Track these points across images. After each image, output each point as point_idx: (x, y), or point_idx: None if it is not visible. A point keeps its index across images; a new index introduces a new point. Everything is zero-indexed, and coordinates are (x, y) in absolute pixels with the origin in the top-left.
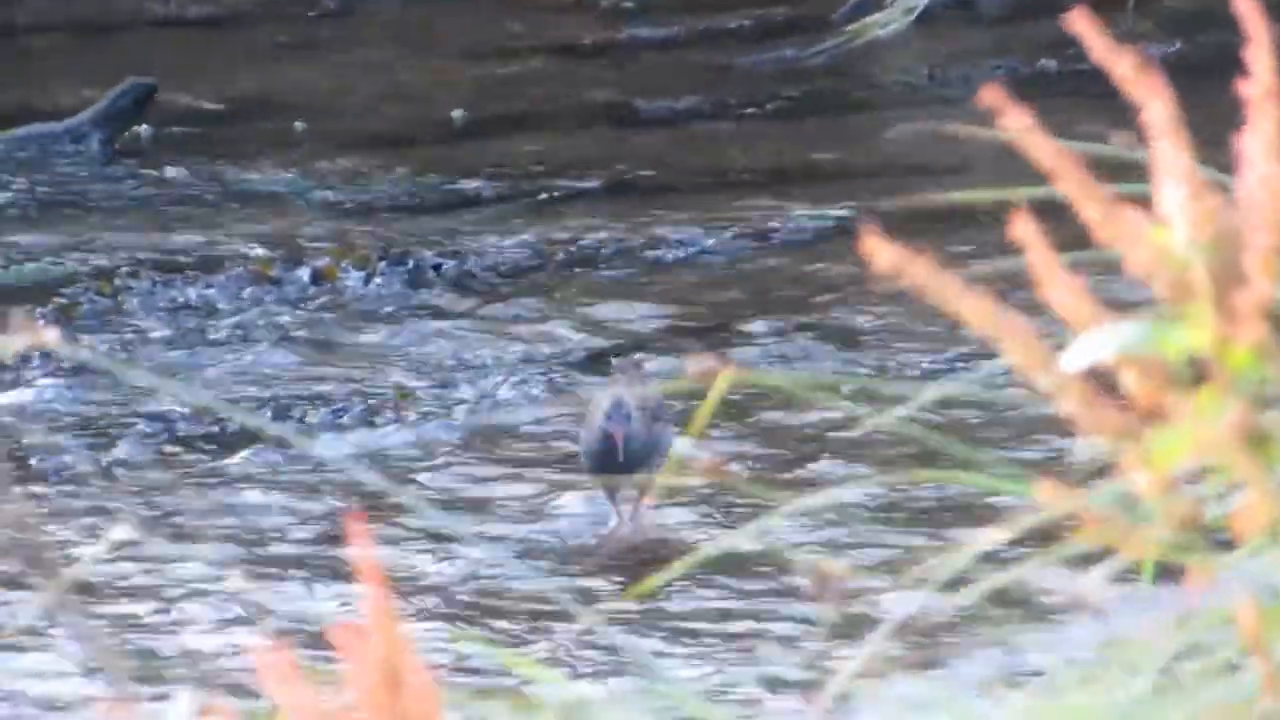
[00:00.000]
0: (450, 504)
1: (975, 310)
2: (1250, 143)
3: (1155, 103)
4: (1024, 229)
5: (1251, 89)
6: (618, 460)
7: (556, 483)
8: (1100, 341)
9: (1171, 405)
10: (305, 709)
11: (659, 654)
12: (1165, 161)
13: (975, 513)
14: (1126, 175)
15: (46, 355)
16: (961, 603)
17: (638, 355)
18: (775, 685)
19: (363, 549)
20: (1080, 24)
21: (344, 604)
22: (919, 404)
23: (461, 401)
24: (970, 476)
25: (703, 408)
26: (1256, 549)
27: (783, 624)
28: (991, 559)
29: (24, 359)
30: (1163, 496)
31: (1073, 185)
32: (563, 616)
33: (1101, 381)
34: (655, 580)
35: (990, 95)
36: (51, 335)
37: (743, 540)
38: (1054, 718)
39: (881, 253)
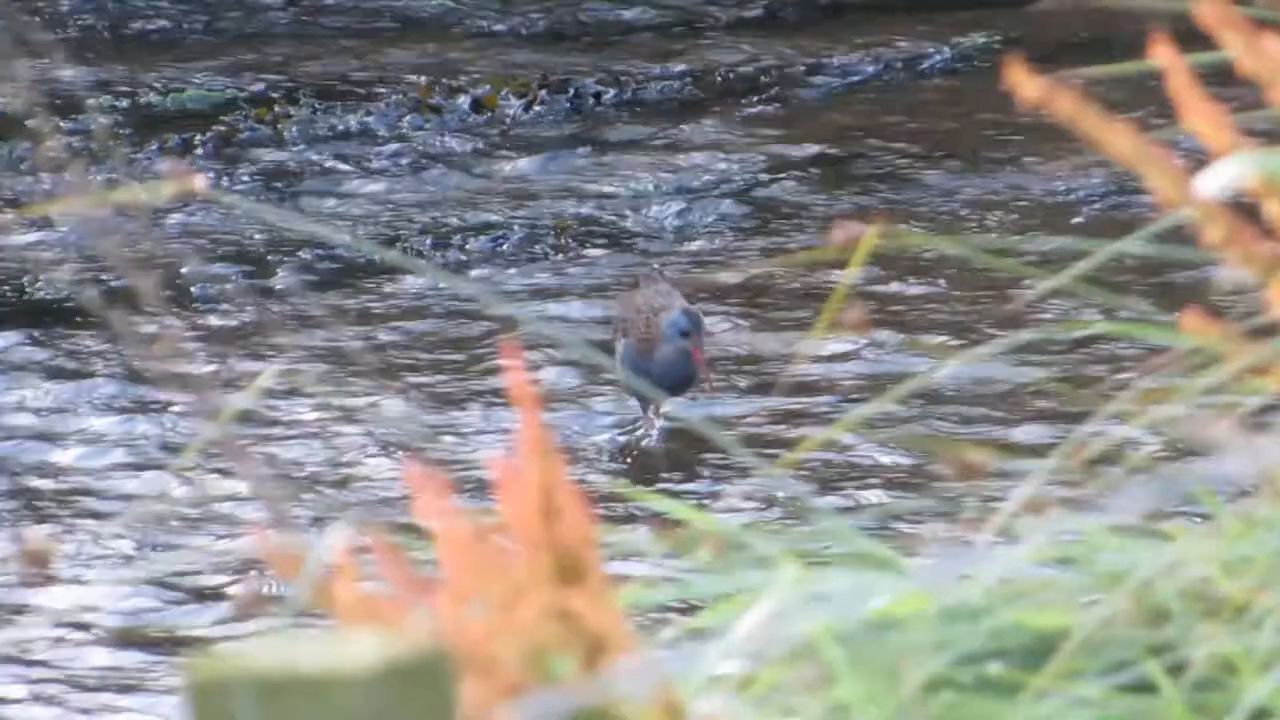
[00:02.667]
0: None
1: (1117, 140)
2: None
3: None
4: (1166, 53)
5: None
6: (693, 380)
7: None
8: (1241, 167)
9: None
10: (459, 535)
11: (818, 495)
12: None
13: (1128, 357)
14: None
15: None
16: (1121, 437)
17: (659, 265)
18: (934, 518)
19: (518, 377)
20: None
21: (499, 433)
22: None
23: (625, 231)
24: (1121, 327)
25: (853, 260)
26: None
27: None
28: (1148, 396)
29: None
30: None
31: (1217, 16)
32: (717, 460)
33: (1247, 215)
34: (819, 438)
35: None
36: (200, 182)
37: (891, 401)
38: (1210, 551)
39: (1026, 84)
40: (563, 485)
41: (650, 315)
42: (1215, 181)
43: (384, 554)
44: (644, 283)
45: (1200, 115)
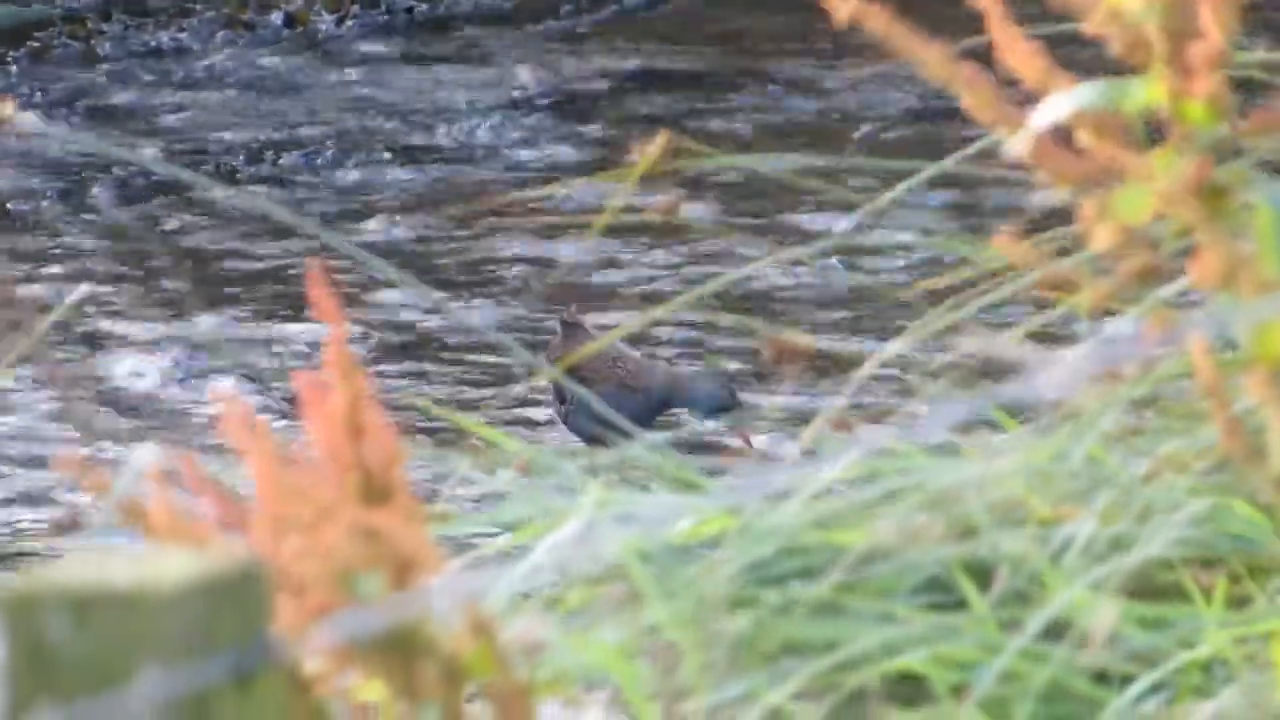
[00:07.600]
0: (406, 256)
1: (935, 61)
2: None
3: None
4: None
5: None
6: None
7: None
8: (1062, 100)
9: (1129, 161)
10: (266, 455)
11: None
12: None
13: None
14: None
15: (20, 98)
16: (935, 356)
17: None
18: (744, 423)
19: (322, 294)
20: None
21: (314, 349)
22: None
23: (436, 146)
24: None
25: (641, 164)
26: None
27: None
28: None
29: None
30: (1121, 248)
31: None
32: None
33: (1063, 143)
34: (617, 331)
35: None
36: (9, 109)
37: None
38: (1015, 466)
39: (843, 3)
40: (369, 404)
41: (630, 362)
42: (1045, 117)
43: (194, 475)
44: (573, 332)
45: (1016, 52)
